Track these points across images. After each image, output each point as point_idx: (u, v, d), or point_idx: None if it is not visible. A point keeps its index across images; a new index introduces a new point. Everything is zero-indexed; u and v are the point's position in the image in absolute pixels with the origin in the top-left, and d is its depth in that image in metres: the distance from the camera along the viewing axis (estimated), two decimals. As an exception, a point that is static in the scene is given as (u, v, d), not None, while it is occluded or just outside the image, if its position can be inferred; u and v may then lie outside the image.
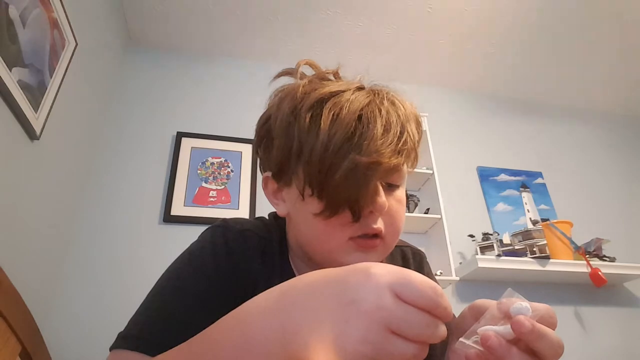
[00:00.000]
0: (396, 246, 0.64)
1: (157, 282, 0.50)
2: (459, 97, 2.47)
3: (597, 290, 1.83)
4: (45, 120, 1.23)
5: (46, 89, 1.23)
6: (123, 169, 1.76)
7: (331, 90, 0.47)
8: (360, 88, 0.49)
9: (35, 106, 1.16)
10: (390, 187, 0.49)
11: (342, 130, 0.43)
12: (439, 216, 1.82)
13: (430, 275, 0.65)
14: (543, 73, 2.40)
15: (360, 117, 0.44)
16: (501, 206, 2.14)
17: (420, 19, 2.03)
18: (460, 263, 1.85)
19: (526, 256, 1.77)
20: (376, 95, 0.48)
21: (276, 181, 0.52)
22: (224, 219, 0.56)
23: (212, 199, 1.76)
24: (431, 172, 1.94)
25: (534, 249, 1.77)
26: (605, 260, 1.84)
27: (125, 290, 1.48)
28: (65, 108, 1.38)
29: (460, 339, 0.33)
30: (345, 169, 0.43)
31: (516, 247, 1.79)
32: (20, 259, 1.15)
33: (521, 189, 2.21)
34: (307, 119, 0.45)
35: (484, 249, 1.79)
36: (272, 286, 0.50)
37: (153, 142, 1.86)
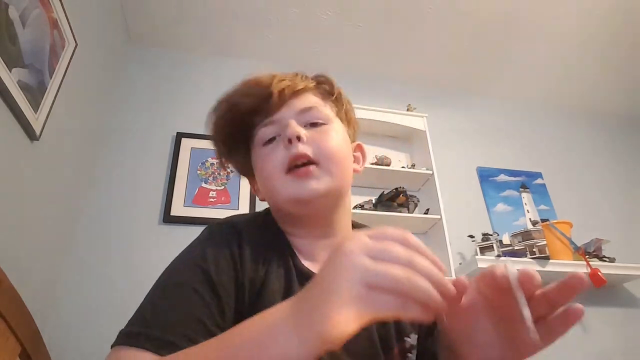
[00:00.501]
0: None
1: (157, 278, 0.51)
2: (458, 98, 2.47)
3: (596, 290, 1.83)
4: (45, 120, 1.23)
5: (46, 89, 1.23)
6: (123, 169, 1.76)
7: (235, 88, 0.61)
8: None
9: (35, 106, 1.16)
10: (315, 125, 0.57)
11: (238, 91, 0.59)
12: (438, 217, 1.82)
13: None
14: (543, 73, 2.41)
15: (255, 82, 0.58)
16: (501, 206, 2.14)
17: (421, 19, 2.03)
18: (460, 263, 1.85)
19: (526, 257, 1.76)
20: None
21: (245, 176, 0.65)
22: (226, 218, 0.59)
23: (212, 200, 1.76)
24: (431, 172, 1.94)
25: (534, 250, 1.77)
26: (605, 261, 1.84)
27: (125, 290, 1.48)
28: (65, 108, 1.38)
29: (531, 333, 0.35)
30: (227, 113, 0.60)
31: (516, 248, 1.79)
32: (20, 259, 1.15)
33: (521, 189, 2.21)
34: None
35: (483, 250, 1.79)
36: (271, 273, 0.54)
37: (153, 142, 1.86)
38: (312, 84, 0.61)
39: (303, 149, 0.54)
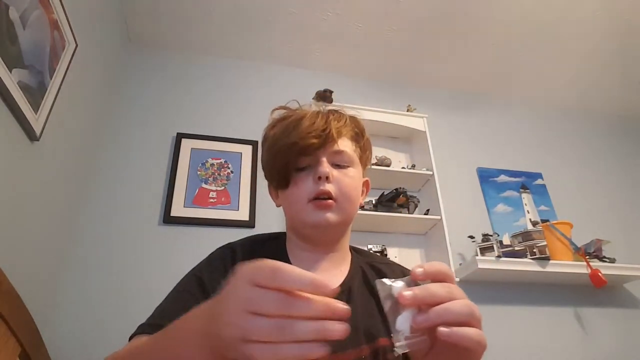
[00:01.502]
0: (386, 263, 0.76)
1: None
2: (458, 98, 2.47)
3: (597, 291, 1.83)
4: (45, 121, 1.23)
5: (46, 90, 1.23)
6: (123, 169, 1.76)
7: (285, 115, 0.70)
8: (315, 112, 0.68)
9: (35, 107, 1.16)
10: (341, 167, 0.68)
11: (284, 130, 0.67)
12: (438, 217, 1.82)
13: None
14: (543, 74, 2.41)
15: (296, 122, 0.66)
16: (501, 207, 2.14)
17: (422, 20, 2.03)
18: (460, 264, 1.85)
19: (526, 257, 1.76)
20: (316, 112, 0.68)
21: (274, 187, 0.73)
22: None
23: (212, 200, 1.76)
24: (431, 173, 1.94)
25: (534, 250, 1.77)
26: (605, 261, 1.84)
27: (125, 291, 1.48)
28: (65, 109, 1.39)
29: (396, 346, 0.37)
30: (281, 150, 0.66)
31: (516, 248, 1.79)
32: (20, 259, 1.15)
33: (521, 189, 2.22)
34: (269, 136, 0.71)
35: (483, 250, 1.78)
36: None
37: (153, 143, 1.86)
38: (350, 129, 0.71)
39: (329, 187, 0.65)
